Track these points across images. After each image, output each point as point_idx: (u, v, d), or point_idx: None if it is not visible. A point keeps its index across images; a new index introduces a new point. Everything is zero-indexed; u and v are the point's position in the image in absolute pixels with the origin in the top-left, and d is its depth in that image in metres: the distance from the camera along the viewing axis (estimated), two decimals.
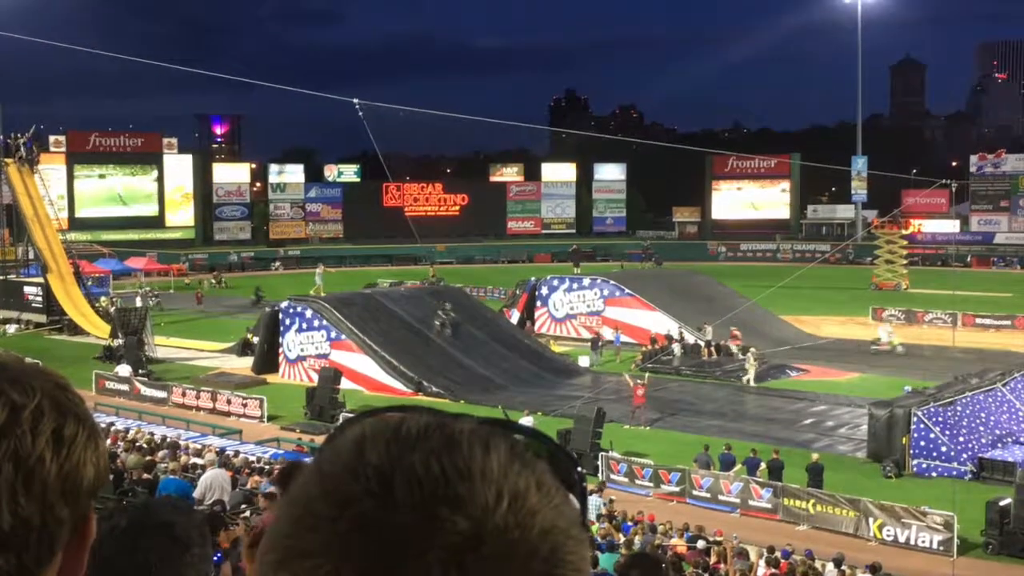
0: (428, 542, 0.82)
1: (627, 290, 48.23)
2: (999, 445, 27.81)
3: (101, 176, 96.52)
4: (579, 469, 1.00)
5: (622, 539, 19.05)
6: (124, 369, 38.78)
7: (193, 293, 65.88)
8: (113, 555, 2.17)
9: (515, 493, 0.87)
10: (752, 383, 38.33)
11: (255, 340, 42.98)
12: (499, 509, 0.85)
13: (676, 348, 42.30)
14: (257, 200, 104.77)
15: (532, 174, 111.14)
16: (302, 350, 40.16)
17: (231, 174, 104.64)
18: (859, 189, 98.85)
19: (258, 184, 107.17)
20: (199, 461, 22.40)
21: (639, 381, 33.64)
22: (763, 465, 25.36)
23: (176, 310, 59.18)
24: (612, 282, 49.50)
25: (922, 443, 26.97)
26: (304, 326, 40.22)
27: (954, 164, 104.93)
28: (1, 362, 1.14)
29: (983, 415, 28.83)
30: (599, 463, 26.41)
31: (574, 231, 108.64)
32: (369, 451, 0.88)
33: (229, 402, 34.86)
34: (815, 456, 25.83)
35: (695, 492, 25.06)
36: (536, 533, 0.86)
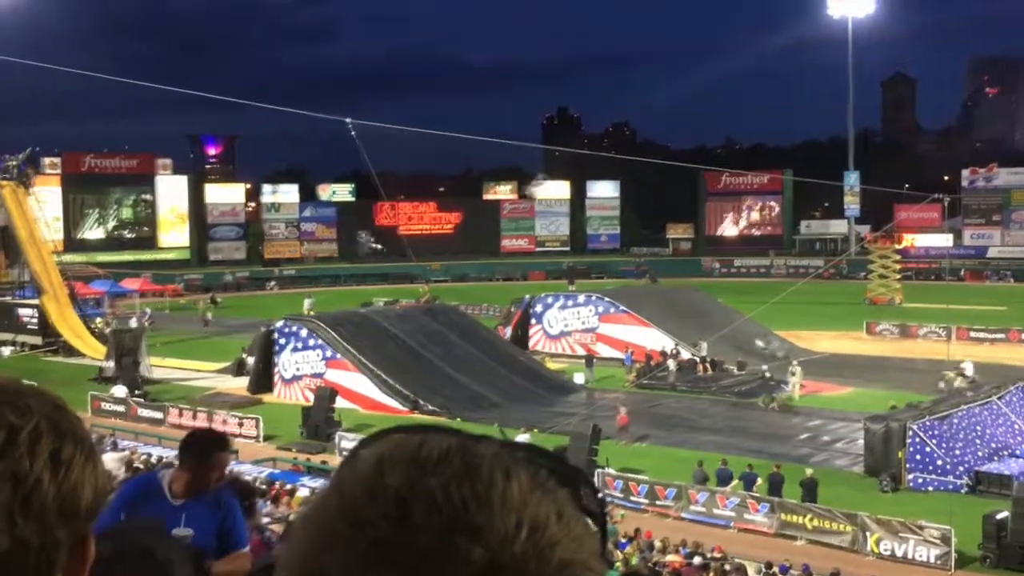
0: (444, 571, 0.81)
1: (622, 307, 48.22)
2: (995, 458, 27.80)
3: (95, 197, 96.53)
4: (600, 497, 0.99)
5: (620, 556, 19.00)
6: (120, 390, 38.68)
7: (199, 315, 65.47)
8: None
9: (535, 523, 0.84)
10: (796, 397, 38.08)
11: (250, 360, 42.91)
12: (518, 539, 0.83)
13: (671, 364, 42.26)
14: (251, 220, 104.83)
15: (525, 192, 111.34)
16: (297, 369, 40.09)
17: (225, 194, 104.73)
18: (852, 204, 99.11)
19: (252, 204, 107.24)
20: None
21: (623, 408, 33.74)
22: (760, 480, 25.34)
23: (182, 330, 59.08)
24: (607, 299, 49.48)
25: (918, 457, 26.95)
26: (299, 345, 40.16)
27: (946, 179, 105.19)
28: None
29: (979, 428, 28.82)
30: (595, 480, 26.35)
31: (568, 249, 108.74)
32: (388, 473, 0.86)
33: (225, 422, 34.72)
34: (809, 471, 25.80)
35: (691, 507, 25.03)
36: (554, 565, 0.84)
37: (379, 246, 37.86)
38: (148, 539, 2.34)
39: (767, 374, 40.24)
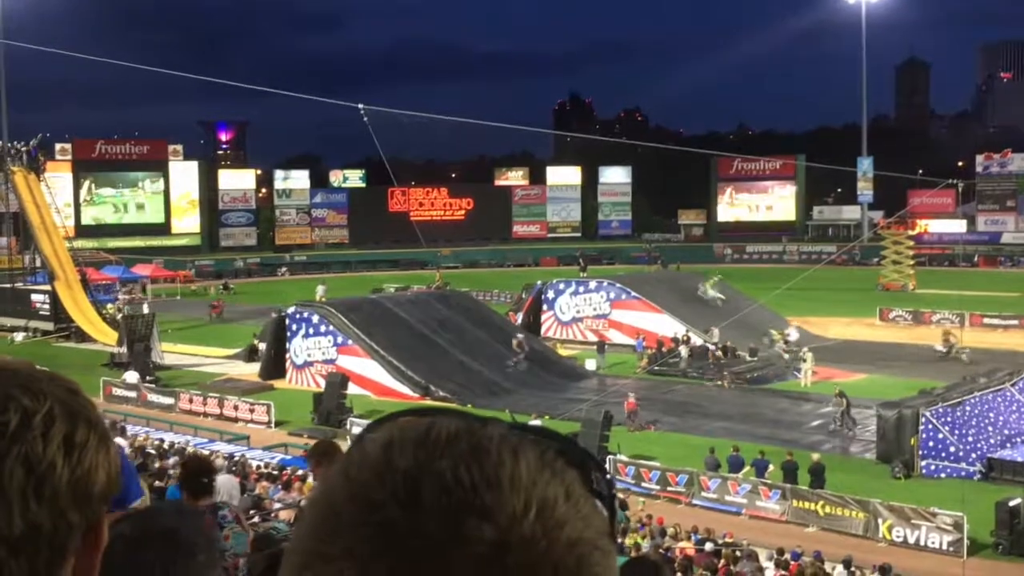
0: (454, 551, 0.81)
1: (633, 293, 48.17)
2: (1008, 445, 27.72)
3: (107, 183, 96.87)
4: (609, 478, 0.98)
5: (628, 543, 19.03)
6: (131, 376, 38.87)
7: (210, 301, 65.62)
8: (117, 564, 2.16)
9: (543, 502, 0.85)
10: (807, 384, 38.03)
11: (262, 346, 43.04)
12: (526, 519, 0.83)
13: (683, 351, 42.22)
14: (263, 206, 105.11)
15: (537, 178, 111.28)
16: (309, 355, 40.20)
17: (237, 180, 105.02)
18: (865, 190, 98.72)
19: (263, 190, 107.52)
20: None
21: (630, 393, 33.75)
22: (771, 467, 25.33)
23: (194, 318, 59.29)
24: (618, 285, 49.42)
25: (931, 444, 26.90)
26: (311, 331, 40.26)
27: (960, 164, 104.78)
28: (12, 368, 1.14)
29: (992, 415, 28.74)
30: (607, 466, 26.36)
31: (580, 235, 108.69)
32: (397, 456, 0.86)
33: (236, 408, 34.89)
34: (815, 456, 25.77)
35: (703, 494, 25.04)
36: (563, 544, 0.84)
37: (519, 356, 38.71)
38: (173, 520, 2.35)
39: (713, 348, 40.53)
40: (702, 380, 39.98)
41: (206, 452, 26.31)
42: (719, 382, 38.98)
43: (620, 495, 23.85)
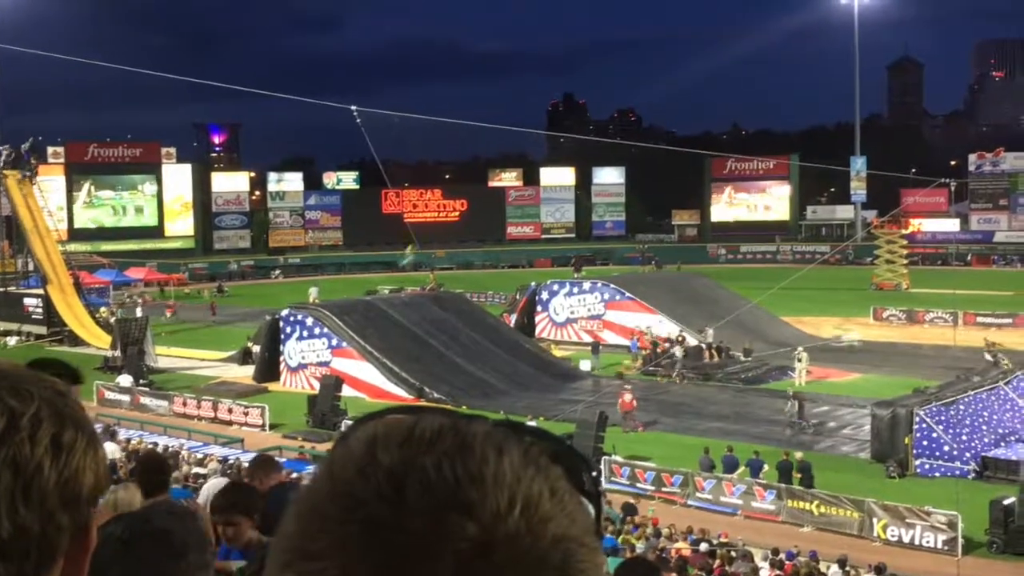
0: (438, 548, 0.81)
1: (628, 294, 48.18)
2: (1002, 444, 27.76)
3: (100, 186, 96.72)
4: (594, 475, 0.98)
5: (620, 541, 19.01)
6: (125, 379, 38.78)
7: (207, 303, 65.57)
8: (105, 564, 2.14)
9: (527, 499, 0.84)
10: (802, 384, 37.72)
11: (256, 349, 42.96)
12: (511, 515, 0.83)
13: (677, 351, 42.22)
14: (256, 209, 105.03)
15: (531, 179, 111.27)
16: (303, 358, 40.13)
17: (230, 183, 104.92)
18: (858, 189, 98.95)
19: (257, 193, 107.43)
20: (201, 471, 22.41)
21: (626, 387, 33.66)
22: (766, 467, 25.34)
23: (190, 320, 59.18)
24: (612, 286, 49.43)
25: (925, 443, 26.92)
26: (305, 334, 40.20)
27: (953, 163, 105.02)
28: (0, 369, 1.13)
29: (986, 414, 28.79)
30: (602, 467, 26.37)
31: (574, 235, 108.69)
32: (381, 453, 0.85)
33: (230, 411, 34.80)
34: (799, 455, 25.75)
35: (698, 494, 25.03)
36: (548, 541, 0.84)
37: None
38: (165, 521, 2.33)
39: (676, 350, 41.24)
40: (656, 376, 40.16)
41: (200, 456, 26.35)
42: (673, 377, 39.61)
43: (631, 499, 23.80)
